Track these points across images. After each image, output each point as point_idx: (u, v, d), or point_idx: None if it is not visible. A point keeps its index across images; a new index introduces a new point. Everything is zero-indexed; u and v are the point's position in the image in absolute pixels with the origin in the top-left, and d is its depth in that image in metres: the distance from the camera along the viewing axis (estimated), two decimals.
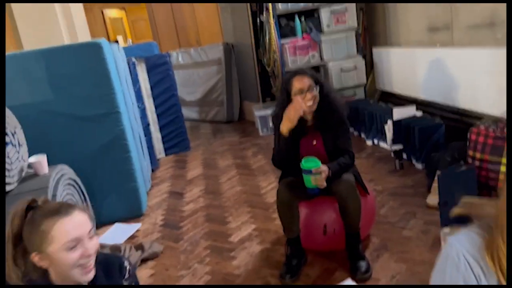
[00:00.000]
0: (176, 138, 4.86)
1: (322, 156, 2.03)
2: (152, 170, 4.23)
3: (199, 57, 6.38)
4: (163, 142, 4.80)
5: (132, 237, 2.88)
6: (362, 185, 2.10)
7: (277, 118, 2.10)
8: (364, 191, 2.12)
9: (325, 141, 2.07)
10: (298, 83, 2.00)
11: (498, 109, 2.96)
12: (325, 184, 1.91)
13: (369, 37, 5.24)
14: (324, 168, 1.92)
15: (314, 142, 2.09)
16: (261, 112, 5.04)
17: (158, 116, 4.70)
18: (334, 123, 2.05)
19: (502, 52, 2.92)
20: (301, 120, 2.03)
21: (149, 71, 4.57)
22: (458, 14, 3.57)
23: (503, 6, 3.04)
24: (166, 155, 4.79)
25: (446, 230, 2.09)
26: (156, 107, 4.68)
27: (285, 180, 2.07)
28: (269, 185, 3.39)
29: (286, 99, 2.06)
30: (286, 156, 2.06)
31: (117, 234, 2.92)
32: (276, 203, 2.06)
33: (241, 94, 6.15)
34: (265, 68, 5.34)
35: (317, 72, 2.13)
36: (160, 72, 4.64)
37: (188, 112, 6.48)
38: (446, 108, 3.74)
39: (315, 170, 1.89)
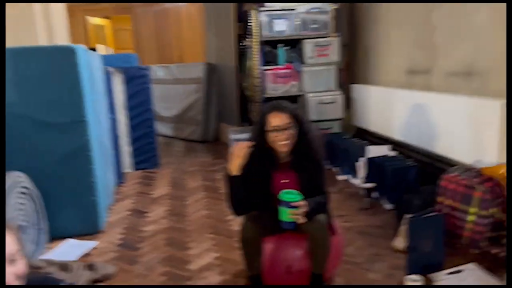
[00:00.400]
0: (146, 153, 4.72)
1: None
2: (117, 185, 4.06)
3: (179, 74, 6.31)
4: (132, 157, 4.65)
5: (85, 255, 2.71)
6: (332, 225, 2.02)
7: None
8: (333, 231, 2.04)
9: (300, 180, 1.97)
10: (274, 120, 1.87)
11: (471, 158, 2.99)
12: (302, 220, 1.79)
13: (350, 74, 5.30)
14: (303, 203, 1.81)
15: (287, 180, 1.98)
16: (237, 135, 4.96)
17: (130, 129, 4.57)
18: (311, 164, 1.94)
19: (477, 102, 2.98)
20: (273, 155, 1.95)
21: (126, 83, 4.46)
22: (438, 60, 3.64)
23: (482, 57, 3.12)
24: (134, 170, 4.63)
25: (413, 277, 2.04)
26: (129, 120, 4.54)
27: (251, 214, 1.96)
28: None
29: (261, 133, 1.93)
30: (245, 199, 1.93)
31: (70, 250, 2.74)
32: (239, 238, 1.95)
33: (219, 115, 6.08)
34: (245, 93, 5.32)
35: (296, 105, 2.01)
36: (138, 84, 4.53)
37: (162, 128, 6.36)
38: (419, 150, 3.77)
39: (295, 204, 1.80)
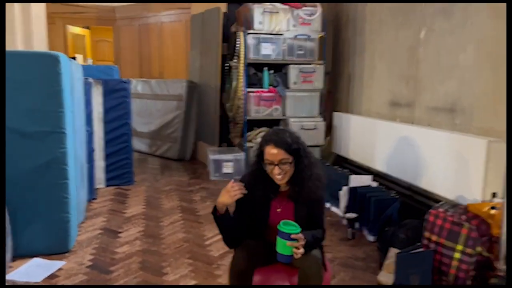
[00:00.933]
0: (120, 169, 4.55)
1: None
2: (89, 201, 3.87)
3: (159, 89, 6.19)
4: (106, 172, 4.46)
5: (52, 276, 2.52)
6: (323, 261, 1.93)
7: (248, 180, 1.87)
8: (325, 268, 1.96)
9: (296, 212, 1.89)
10: (269, 155, 1.80)
11: (452, 193, 3.01)
12: (301, 253, 1.70)
13: (332, 101, 5.35)
14: (302, 236, 1.72)
15: (279, 210, 1.90)
16: (215, 155, 4.87)
17: (106, 143, 4.40)
18: (306, 198, 1.86)
19: (459, 138, 3.02)
20: (274, 183, 1.87)
21: (105, 95, 4.32)
22: (421, 94, 3.70)
23: (466, 94, 3.18)
24: (107, 186, 4.44)
25: None
26: (105, 133, 4.38)
27: (245, 244, 1.85)
28: (215, 236, 3.16)
29: (259, 162, 1.87)
30: (237, 233, 1.85)
31: (35, 270, 2.55)
32: (229, 270, 1.84)
33: (197, 134, 5.97)
34: (226, 113, 5.26)
35: (297, 135, 1.88)
36: (117, 97, 4.40)
37: (137, 143, 6.18)
38: (399, 182, 3.78)
39: (294, 236, 1.70)
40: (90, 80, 4.07)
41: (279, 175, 1.80)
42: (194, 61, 6.12)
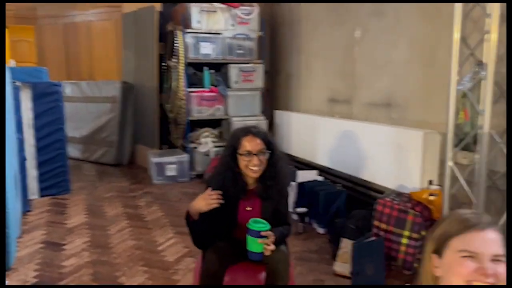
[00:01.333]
0: (55, 177, 4.27)
1: None
2: (23, 213, 3.59)
3: (91, 92, 5.89)
4: (39, 181, 4.16)
5: None
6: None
7: (216, 182, 1.85)
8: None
9: (263, 209, 1.90)
10: (249, 144, 1.80)
11: (393, 183, 3.21)
12: (271, 249, 1.71)
13: (272, 100, 5.44)
14: (271, 233, 1.73)
15: (249, 208, 1.90)
16: (157, 158, 4.75)
17: (38, 150, 4.10)
18: (276, 193, 1.89)
19: (397, 131, 3.23)
20: (243, 182, 1.87)
21: (35, 99, 4.02)
22: (358, 90, 3.90)
23: (400, 90, 3.41)
24: (41, 196, 4.15)
25: None
26: (37, 141, 4.08)
27: (216, 246, 1.82)
28: (167, 241, 3.09)
29: (231, 158, 1.85)
30: (209, 235, 1.84)
31: None
32: (201, 272, 1.80)
33: (135, 137, 5.77)
34: (166, 114, 5.14)
35: (268, 131, 1.90)
36: (48, 102, 4.12)
37: (69, 149, 5.80)
38: (342, 175, 3.95)
39: (264, 233, 1.71)
40: (18, 83, 3.77)
41: (256, 167, 1.80)
42: (128, 61, 5.89)
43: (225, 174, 1.86)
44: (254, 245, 1.72)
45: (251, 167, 1.81)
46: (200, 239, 1.87)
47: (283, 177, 1.90)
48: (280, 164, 1.89)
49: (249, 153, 1.80)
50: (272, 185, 1.86)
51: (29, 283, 2.47)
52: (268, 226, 1.73)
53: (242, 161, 1.82)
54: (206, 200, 1.73)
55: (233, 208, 1.88)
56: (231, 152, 1.86)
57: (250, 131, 1.85)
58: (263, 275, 1.83)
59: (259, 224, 1.74)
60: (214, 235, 1.85)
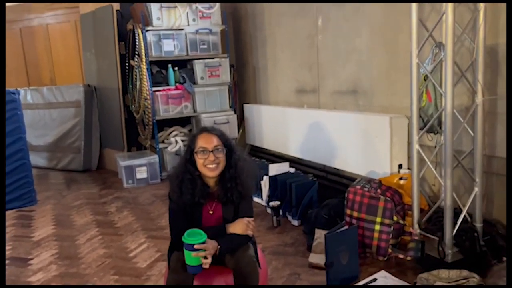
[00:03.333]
0: (19, 189, 4.10)
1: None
2: None
3: (53, 97, 5.68)
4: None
5: None
6: (257, 258, 1.86)
7: (174, 188, 1.81)
8: (260, 264, 1.92)
9: (224, 213, 1.84)
10: (203, 141, 1.78)
11: (364, 170, 3.21)
12: (208, 263, 1.66)
13: (240, 94, 5.38)
14: (210, 245, 1.67)
15: (211, 212, 1.85)
16: (126, 161, 4.62)
17: None
18: (237, 196, 1.83)
19: (364, 117, 3.23)
20: (203, 184, 1.81)
21: None
22: (324, 79, 3.88)
23: (364, 77, 3.40)
24: (5, 210, 3.97)
25: None
26: None
27: (178, 254, 1.75)
28: (139, 247, 3.00)
29: (189, 159, 1.81)
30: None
31: None
32: (168, 280, 1.74)
33: (102, 141, 5.61)
34: (132, 115, 5.01)
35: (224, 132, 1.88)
36: (6, 111, 3.93)
37: (34, 158, 5.59)
38: (313, 165, 3.94)
39: (198, 246, 1.64)
40: None
41: (212, 164, 1.76)
42: (89, 63, 5.70)
43: (183, 176, 1.79)
44: (190, 258, 1.65)
45: (208, 164, 1.77)
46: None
47: (245, 178, 1.83)
48: (240, 165, 1.83)
49: (205, 150, 1.77)
50: (232, 187, 1.81)
51: None
52: (204, 238, 1.66)
53: (199, 160, 1.78)
54: None
55: (196, 212, 1.82)
56: (188, 155, 1.82)
57: (205, 129, 1.84)
58: (231, 279, 1.78)
59: (195, 236, 1.66)
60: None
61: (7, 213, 3.93)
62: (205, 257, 1.65)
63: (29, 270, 2.74)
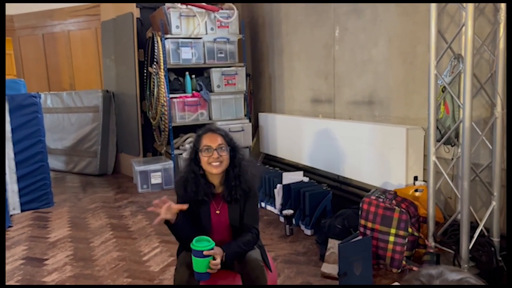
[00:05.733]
0: (37, 191, 4.17)
1: (225, 228, 1.85)
2: (4, 230, 3.49)
3: (72, 102, 5.79)
4: (20, 196, 4.06)
5: None
6: (266, 262, 1.91)
7: (179, 185, 1.87)
8: (268, 269, 1.94)
9: (230, 213, 1.88)
10: (207, 140, 1.83)
11: (378, 181, 3.19)
12: (217, 268, 1.68)
13: (255, 102, 5.42)
14: (218, 251, 1.69)
15: (218, 212, 1.89)
16: (141, 166, 4.67)
17: (17, 164, 4.01)
18: (242, 196, 1.87)
19: (380, 128, 3.22)
20: (207, 184, 1.86)
21: (12, 112, 3.94)
22: (340, 89, 3.89)
23: (381, 87, 3.40)
24: (22, 211, 4.05)
25: None
26: (15, 154, 3.99)
27: (184, 257, 1.78)
28: (152, 251, 3.02)
29: (193, 159, 1.87)
30: (186, 236, 1.81)
31: None
32: (174, 283, 1.76)
33: (118, 146, 5.68)
34: (149, 121, 5.08)
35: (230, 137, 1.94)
36: (26, 114, 4.04)
37: (52, 162, 5.69)
38: (327, 175, 3.93)
39: (207, 252, 1.65)
40: None
41: (216, 161, 1.81)
42: (108, 69, 5.81)
43: (187, 175, 1.86)
44: (198, 265, 1.66)
45: (212, 162, 1.82)
46: (184, 239, 1.83)
47: (249, 177, 1.88)
48: (244, 164, 1.89)
49: (209, 148, 1.82)
50: (237, 185, 1.85)
51: None
52: (212, 245, 1.68)
53: (203, 158, 1.83)
54: (162, 210, 1.73)
55: (203, 211, 1.87)
56: (193, 154, 1.88)
57: (210, 128, 1.90)
58: (239, 281, 1.79)
59: (203, 243, 1.68)
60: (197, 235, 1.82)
61: (25, 213, 4.01)
62: (214, 263, 1.67)
63: (44, 270, 2.78)
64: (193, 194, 1.84)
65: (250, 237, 1.85)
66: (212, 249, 1.67)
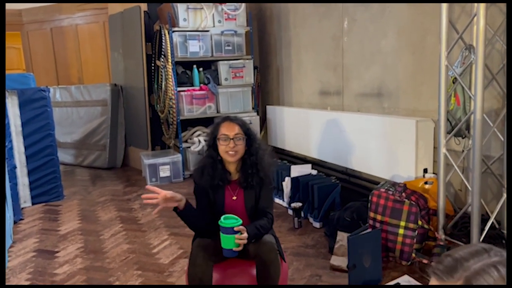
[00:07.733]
0: (47, 184, 4.21)
1: (241, 213, 1.87)
2: (15, 222, 3.53)
3: (81, 96, 5.82)
4: (30, 189, 4.10)
5: None
6: (280, 251, 1.93)
7: (197, 172, 1.93)
8: (281, 258, 1.95)
9: (246, 198, 1.92)
10: (225, 129, 1.88)
11: (388, 173, 3.17)
12: (244, 243, 1.73)
13: (263, 95, 5.40)
14: (244, 228, 1.75)
15: (234, 197, 1.93)
16: (150, 160, 4.69)
17: (27, 158, 4.04)
18: (258, 183, 1.91)
19: (389, 120, 3.19)
20: (225, 170, 1.90)
21: (22, 106, 3.96)
22: (349, 81, 3.86)
23: (390, 79, 3.36)
24: (33, 204, 4.09)
25: None
26: (25, 148, 4.02)
27: (200, 241, 1.83)
28: (161, 243, 3.04)
29: (212, 146, 1.92)
30: (203, 223, 1.89)
31: None
32: (188, 268, 1.79)
33: (127, 139, 5.71)
34: (157, 114, 5.09)
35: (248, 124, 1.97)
36: (36, 108, 4.06)
37: (61, 155, 5.74)
38: (335, 168, 3.92)
39: (237, 229, 1.70)
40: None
41: (232, 151, 1.85)
42: (116, 63, 5.82)
43: (206, 161, 1.91)
44: (228, 241, 1.72)
45: (228, 151, 1.86)
46: (194, 225, 1.91)
47: (265, 166, 1.92)
48: (260, 153, 1.93)
49: (226, 137, 1.86)
50: (253, 173, 1.89)
51: None
52: (240, 222, 1.74)
53: (221, 146, 1.88)
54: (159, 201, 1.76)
55: (219, 197, 1.91)
56: (211, 141, 1.93)
57: (228, 118, 1.94)
58: (253, 269, 1.80)
59: (230, 220, 1.73)
60: (207, 224, 1.88)
61: (36, 206, 4.05)
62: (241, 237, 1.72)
63: (55, 263, 2.82)
64: (209, 178, 1.89)
65: (266, 222, 1.90)
66: (241, 225, 1.73)
